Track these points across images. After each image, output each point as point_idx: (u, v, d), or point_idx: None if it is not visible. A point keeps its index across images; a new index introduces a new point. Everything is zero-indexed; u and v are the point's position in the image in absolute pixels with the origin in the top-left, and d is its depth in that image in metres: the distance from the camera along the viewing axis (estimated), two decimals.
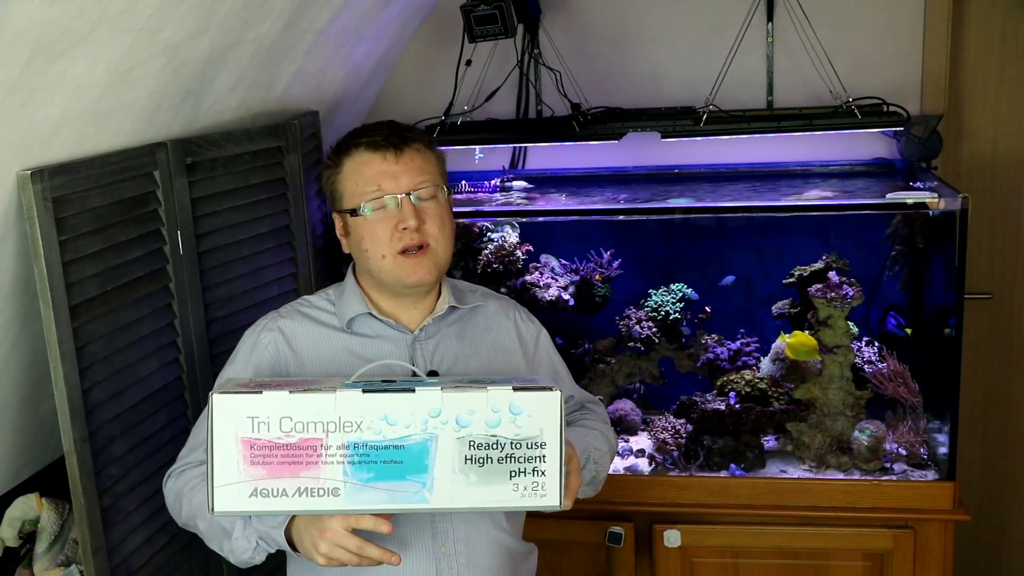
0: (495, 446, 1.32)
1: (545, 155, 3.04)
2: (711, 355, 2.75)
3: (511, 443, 1.32)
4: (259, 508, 1.32)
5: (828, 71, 2.75)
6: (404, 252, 1.57)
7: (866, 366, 2.63)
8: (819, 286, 2.58)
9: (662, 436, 2.65)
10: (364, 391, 1.32)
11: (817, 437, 2.58)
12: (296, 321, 1.65)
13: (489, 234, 2.86)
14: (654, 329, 2.76)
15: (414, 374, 1.54)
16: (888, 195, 2.46)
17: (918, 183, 2.55)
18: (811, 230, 2.80)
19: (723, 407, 2.61)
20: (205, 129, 2.01)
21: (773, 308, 2.78)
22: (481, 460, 1.32)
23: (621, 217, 2.76)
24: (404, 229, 1.56)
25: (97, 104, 1.59)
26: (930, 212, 2.46)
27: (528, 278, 2.85)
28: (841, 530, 2.46)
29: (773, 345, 2.67)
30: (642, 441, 2.74)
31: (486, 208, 2.74)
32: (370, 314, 1.63)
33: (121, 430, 1.76)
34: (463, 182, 2.90)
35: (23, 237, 1.56)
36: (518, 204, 2.78)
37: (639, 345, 2.77)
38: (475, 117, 2.89)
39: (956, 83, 2.90)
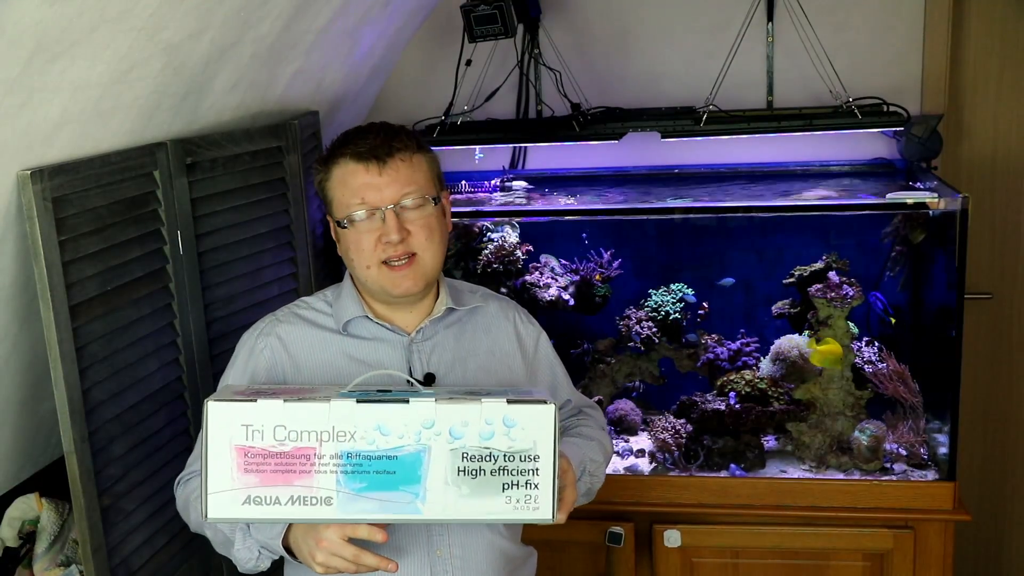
0: (488, 458, 1.32)
1: (545, 155, 3.04)
2: (711, 355, 2.75)
3: (504, 455, 1.33)
4: (252, 515, 1.33)
5: (828, 71, 2.75)
6: (388, 263, 1.56)
7: (866, 366, 2.63)
8: (819, 286, 2.59)
9: (662, 436, 2.65)
10: (358, 401, 1.32)
11: (817, 437, 2.58)
12: (293, 325, 1.65)
13: (489, 234, 2.86)
14: (654, 329, 2.76)
15: (409, 382, 1.54)
16: (888, 195, 2.46)
17: (918, 183, 2.55)
18: (811, 230, 2.80)
19: (723, 407, 2.61)
20: (205, 129, 2.01)
21: (773, 308, 2.78)
22: (474, 472, 1.32)
23: (621, 217, 2.76)
24: (387, 242, 1.55)
25: (97, 104, 1.59)
26: (930, 212, 2.46)
27: (528, 278, 2.85)
28: (841, 530, 2.46)
29: (773, 345, 2.67)
30: (642, 441, 2.74)
31: (486, 208, 2.74)
32: (367, 317, 1.63)
33: (121, 430, 1.76)
34: (463, 182, 2.89)
35: (23, 237, 1.56)
36: (518, 204, 2.78)
37: (639, 345, 2.77)
38: (475, 117, 2.89)
39: (956, 83, 2.90)
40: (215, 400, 1.32)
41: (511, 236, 2.86)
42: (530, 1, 2.79)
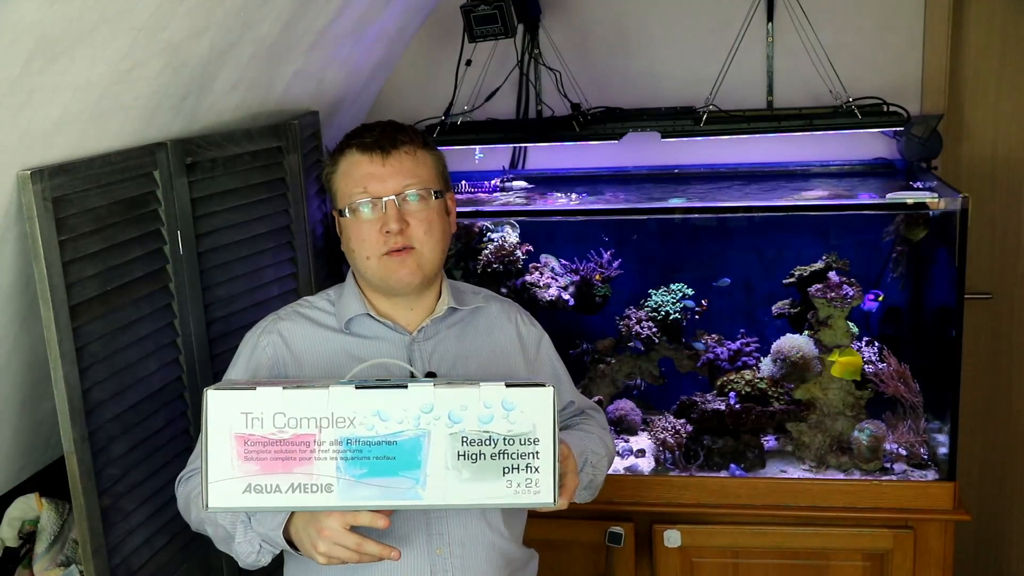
0: (488, 442, 1.32)
1: (545, 155, 3.04)
2: (711, 355, 2.75)
3: (504, 439, 1.32)
4: (253, 504, 1.32)
5: (828, 71, 2.75)
6: (389, 253, 1.57)
7: (866, 366, 2.63)
8: (819, 286, 2.59)
9: (662, 436, 2.65)
10: (357, 387, 1.32)
11: (817, 437, 2.58)
12: (295, 323, 1.65)
13: (489, 234, 2.86)
14: (654, 329, 2.76)
15: (411, 374, 1.54)
16: (888, 195, 2.46)
17: (918, 183, 2.55)
18: (811, 230, 2.80)
19: (723, 407, 2.61)
20: (205, 129, 2.01)
21: (773, 308, 2.78)
22: (474, 456, 1.32)
23: (621, 217, 2.76)
24: (387, 232, 1.56)
25: (97, 104, 1.59)
26: (930, 212, 2.46)
27: (528, 278, 2.85)
28: (841, 530, 2.46)
29: (774, 345, 2.66)
30: (642, 441, 2.74)
31: (486, 208, 2.74)
32: (368, 315, 1.63)
33: (121, 430, 1.76)
34: (463, 182, 2.90)
35: (23, 237, 1.56)
36: (518, 204, 2.78)
37: (639, 345, 2.77)
38: (475, 117, 2.89)
39: (956, 83, 2.90)
40: (214, 389, 1.32)
41: (511, 236, 2.86)
42: (530, 1, 2.79)
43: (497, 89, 2.90)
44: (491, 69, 2.90)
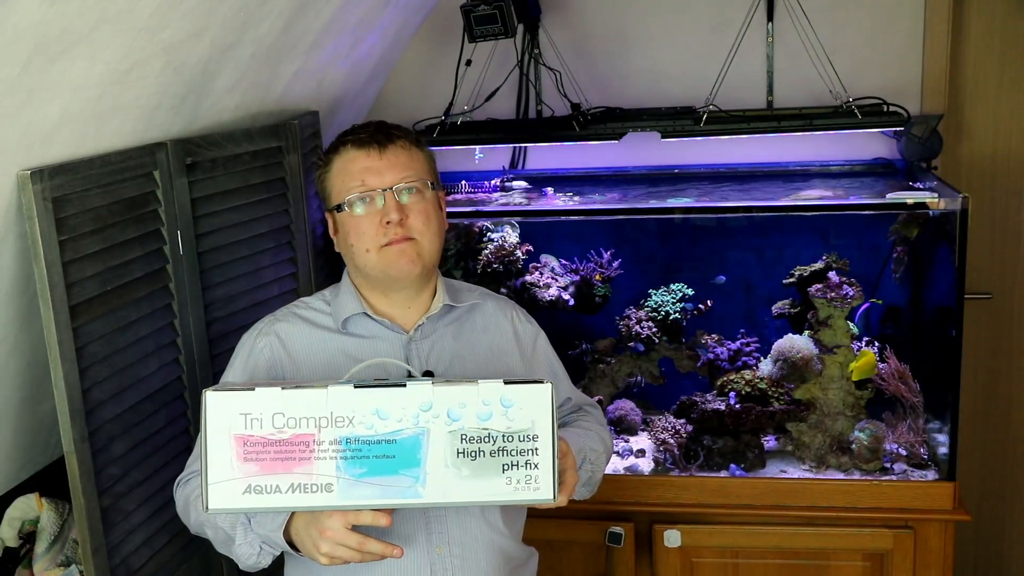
0: (487, 439, 1.32)
1: (545, 155, 3.04)
2: (711, 355, 2.75)
3: (503, 436, 1.32)
4: (253, 505, 1.32)
5: (828, 71, 2.75)
6: (388, 244, 1.58)
7: None
8: (819, 286, 2.59)
9: (662, 436, 2.65)
10: (356, 386, 1.32)
11: (817, 437, 2.58)
12: (292, 324, 1.65)
13: (489, 234, 2.86)
14: (654, 329, 2.76)
15: (409, 373, 1.54)
16: (888, 195, 2.46)
17: (918, 183, 2.55)
18: (811, 230, 2.80)
19: (723, 407, 2.61)
20: (205, 129, 2.01)
21: (773, 308, 2.78)
22: (473, 453, 1.32)
23: (621, 217, 2.76)
24: (387, 223, 1.56)
25: (97, 104, 1.59)
26: (930, 212, 2.46)
27: (528, 278, 2.85)
28: (841, 530, 2.46)
29: (774, 345, 2.66)
30: (642, 441, 2.74)
31: (486, 208, 2.74)
32: (365, 314, 1.63)
33: (121, 430, 1.76)
34: (463, 182, 2.90)
35: (23, 237, 1.56)
36: (518, 204, 2.78)
37: (639, 347, 2.77)
38: (475, 117, 2.89)
39: (956, 83, 2.90)
40: (213, 390, 1.32)
41: (511, 236, 2.86)
42: (530, 1, 2.79)
43: (497, 89, 2.90)
44: (491, 69, 2.90)
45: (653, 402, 2.87)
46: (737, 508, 2.51)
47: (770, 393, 2.61)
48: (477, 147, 2.97)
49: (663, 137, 2.71)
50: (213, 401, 1.31)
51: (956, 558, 2.49)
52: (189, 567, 1.98)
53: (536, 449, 1.33)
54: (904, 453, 2.57)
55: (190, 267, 1.94)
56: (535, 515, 1.71)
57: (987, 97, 2.94)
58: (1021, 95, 2.93)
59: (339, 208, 1.61)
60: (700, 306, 2.79)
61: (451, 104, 2.86)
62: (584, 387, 2.78)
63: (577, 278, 2.86)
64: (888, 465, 2.54)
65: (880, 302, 2.71)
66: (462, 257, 2.85)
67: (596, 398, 2.74)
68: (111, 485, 1.74)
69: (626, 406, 2.79)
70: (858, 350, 2.64)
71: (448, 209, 1.76)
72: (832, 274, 2.60)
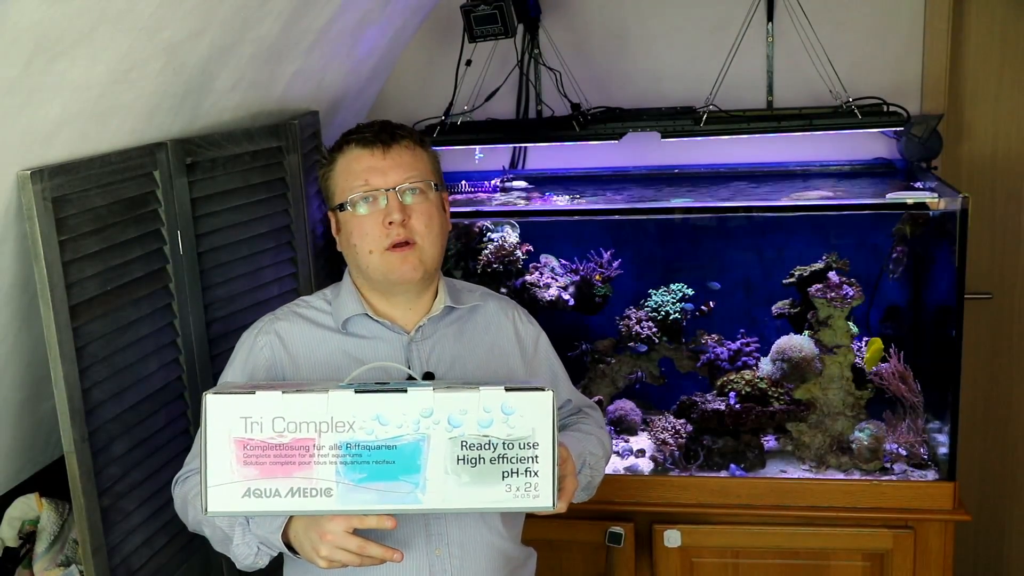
0: (487, 446, 1.32)
1: (545, 155, 3.04)
2: (711, 355, 2.75)
3: (503, 443, 1.32)
4: (252, 508, 1.32)
5: (828, 71, 2.75)
6: (391, 248, 1.57)
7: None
8: (819, 286, 2.59)
9: (662, 436, 2.65)
10: (356, 391, 1.32)
11: (817, 437, 2.58)
12: (292, 323, 1.65)
13: (489, 234, 2.86)
14: (654, 329, 2.76)
15: (410, 377, 1.54)
16: (888, 195, 2.46)
17: (918, 183, 2.55)
18: (811, 230, 2.80)
19: (723, 407, 2.61)
20: (205, 129, 2.01)
21: (773, 308, 2.78)
22: (473, 460, 1.32)
23: (621, 217, 2.76)
24: (390, 224, 1.56)
25: (97, 104, 1.59)
26: (930, 212, 2.46)
27: (528, 278, 2.85)
28: (841, 530, 2.46)
29: (774, 345, 2.67)
30: (642, 441, 2.74)
31: (486, 208, 2.74)
32: (366, 315, 1.63)
33: (121, 430, 1.76)
34: (463, 182, 2.90)
35: (23, 237, 1.56)
36: (518, 204, 2.78)
37: (639, 345, 2.77)
38: (475, 117, 2.89)
39: (956, 83, 2.90)
40: (213, 393, 1.32)
41: (511, 236, 2.86)
42: (530, 1, 2.79)
43: (497, 89, 2.90)
44: (491, 69, 2.90)
45: (653, 402, 2.87)
46: (737, 508, 2.51)
47: (770, 393, 2.61)
48: (477, 147, 2.97)
49: (663, 137, 2.71)
50: (213, 404, 1.31)
51: (956, 558, 2.49)
52: (189, 567, 1.98)
53: (536, 457, 1.33)
54: (904, 453, 2.57)
55: (190, 267, 1.94)
56: (533, 515, 1.71)
57: (987, 97, 2.94)
58: (1021, 95, 2.93)
59: (341, 207, 1.60)
60: (702, 307, 2.79)
61: (451, 104, 2.86)
62: (584, 387, 2.78)
63: (577, 278, 2.86)
64: (888, 465, 2.54)
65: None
66: (462, 257, 2.85)
67: (596, 398, 2.74)
68: (111, 485, 1.74)
69: (626, 406, 2.79)
70: (858, 350, 2.65)
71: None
72: (832, 274, 2.60)
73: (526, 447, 1.33)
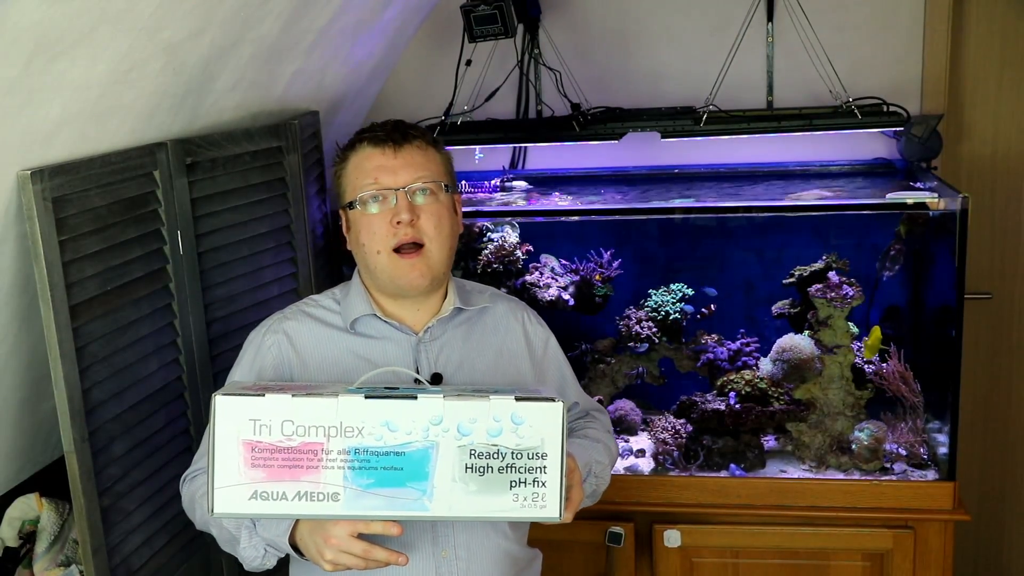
0: (496, 455, 1.32)
1: (545, 155, 3.04)
2: (711, 355, 2.75)
3: (512, 453, 1.32)
4: (258, 511, 1.32)
5: (828, 71, 2.75)
6: (399, 250, 1.57)
7: (867, 365, 2.63)
8: (819, 286, 2.58)
9: (662, 436, 2.65)
10: (366, 396, 1.32)
11: (817, 437, 2.58)
12: (300, 322, 1.65)
13: (489, 234, 2.86)
14: (654, 329, 2.76)
15: (417, 382, 1.54)
16: (888, 195, 2.46)
17: (918, 183, 2.55)
18: (811, 230, 2.80)
19: (723, 407, 2.61)
20: (205, 129, 2.01)
21: (773, 308, 2.78)
22: (482, 469, 1.32)
23: (621, 217, 2.76)
24: (398, 223, 1.55)
25: (97, 104, 1.59)
26: (930, 212, 2.46)
27: (528, 278, 2.85)
28: (841, 530, 2.46)
29: (774, 345, 2.67)
30: (642, 441, 2.74)
31: (486, 208, 2.74)
32: (374, 315, 1.62)
33: (121, 430, 1.76)
34: (463, 182, 2.89)
35: (23, 237, 1.56)
36: (518, 204, 2.78)
37: (639, 346, 2.77)
38: (475, 117, 2.89)
39: (956, 83, 2.90)
40: (223, 394, 1.31)
41: (511, 236, 2.86)
42: (530, 1, 2.79)
43: (497, 89, 2.90)
44: (491, 69, 2.90)
45: (653, 402, 2.87)
46: (737, 508, 2.51)
47: (770, 393, 2.61)
48: (477, 147, 2.97)
49: (663, 137, 2.71)
50: (222, 405, 1.31)
51: (956, 558, 2.49)
52: (189, 567, 1.98)
53: (544, 467, 1.33)
54: (904, 453, 2.57)
55: (190, 267, 1.94)
56: None
57: (987, 97, 2.94)
58: (1021, 95, 2.93)
59: (351, 205, 1.60)
60: (703, 310, 2.79)
61: (451, 104, 2.86)
62: (584, 387, 2.77)
63: (577, 278, 2.86)
64: (888, 465, 2.54)
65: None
66: (462, 257, 2.85)
67: (596, 398, 2.74)
68: (111, 485, 1.74)
69: (626, 406, 2.79)
70: (857, 349, 2.65)
71: None
72: (832, 274, 2.60)
73: (535, 457, 1.33)
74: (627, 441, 2.74)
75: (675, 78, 2.92)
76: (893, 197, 2.45)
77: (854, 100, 2.64)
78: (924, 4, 2.80)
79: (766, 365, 2.67)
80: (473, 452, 1.32)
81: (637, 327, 2.76)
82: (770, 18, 2.84)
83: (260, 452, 1.31)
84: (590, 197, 2.77)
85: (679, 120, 2.71)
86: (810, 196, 2.61)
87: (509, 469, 1.33)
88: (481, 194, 2.86)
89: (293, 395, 1.32)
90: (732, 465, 2.58)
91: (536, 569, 1.75)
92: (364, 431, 1.31)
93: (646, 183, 2.92)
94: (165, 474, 1.88)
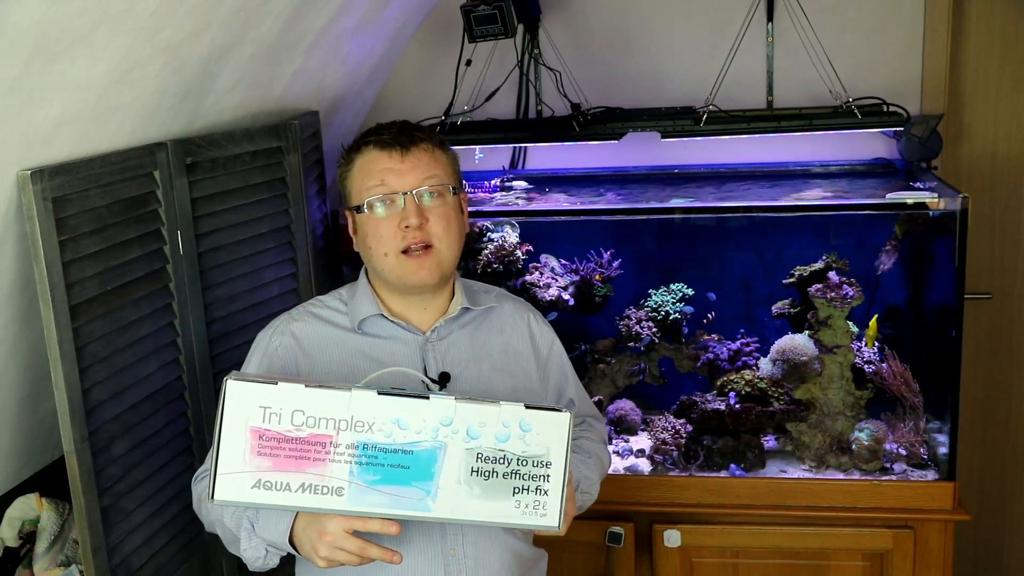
0: (502, 461, 1.33)
1: (545, 155, 3.04)
2: (711, 355, 2.75)
3: (518, 459, 1.33)
4: (260, 500, 1.31)
5: (828, 71, 2.75)
6: (407, 251, 1.57)
7: (866, 366, 2.63)
8: (819, 286, 2.59)
9: (662, 436, 2.65)
10: (379, 392, 1.31)
11: (817, 437, 2.58)
12: (308, 323, 1.65)
13: (489, 234, 2.86)
14: (654, 329, 2.76)
15: (426, 386, 1.54)
16: (888, 195, 2.46)
17: (918, 183, 2.55)
18: (811, 230, 2.80)
19: (723, 407, 2.61)
20: (205, 129, 2.01)
21: (773, 308, 2.78)
22: (487, 473, 1.33)
23: (621, 217, 2.76)
24: (407, 227, 1.56)
25: (97, 104, 1.59)
26: (930, 212, 2.46)
27: (528, 278, 2.85)
28: (841, 530, 2.46)
29: (774, 345, 2.67)
30: (642, 441, 2.74)
31: (486, 208, 2.74)
32: (381, 315, 1.63)
33: (121, 430, 1.76)
34: (463, 182, 2.89)
35: (23, 237, 1.56)
36: (518, 204, 2.78)
37: (639, 345, 2.77)
38: (475, 117, 2.89)
39: (956, 83, 2.90)
40: (234, 379, 1.29)
41: (511, 236, 2.86)
42: (530, 1, 2.79)
43: (497, 89, 2.90)
44: (491, 69, 2.90)
45: (653, 402, 2.87)
46: (737, 508, 2.51)
47: (770, 393, 2.61)
48: (477, 147, 2.97)
49: (663, 137, 2.71)
50: (233, 390, 1.29)
51: (956, 558, 2.49)
52: (189, 567, 1.98)
53: (548, 476, 1.34)
54: (904, 453, 2.57)
55: (190, 267, 1.94)
56: None
57: (987, 97, 2.94)
58: (1021, 95, 2.93)
59: (358, 209, 1.60)
60: (707, 316, 2.79)
61: (451, 104, 2.86)
62: (584, 387, 2.77)
63: (577, 278, 2.86)
64: (888, 465, 2.54)
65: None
66: (462, 257, 2.84)
67: (596, 398, 2.74)
68: (111, 485, 1.74)
69: (626, 406, 2.79)
70: (858, 350, 2.65)
71: None
72: (832, 274, 2.60)
73: (539, 465, 1.34)
74: (627, 441, 2.74)
75: (675, 78, 2.92)
76: (893, 197, 2.45)
77: (854, 100, 2.64)
78: (924, 4, 2.80)
79: (766, 365, 2.67)
80: (480, 456, 1.32)
81: (637, 327, 2.76)
82: (770, 18, 2.84)
83: (267, 441, 1.29)
84: (590, 197, 2.77)
85: (679, 120, 2.71)
86: (810, 196, 2.61)
87: (514, 475, 1.33)
88: (481, 194, 2.86)
89: (307, 385, 1.31)
90: (732, 465, 2.58)
91: (542, 569, 1.75)
92: (375, 427, 1.31)
93: (646, 183, 2.92)
94: (165, 474, 1.88)
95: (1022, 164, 2.97)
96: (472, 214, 2.71)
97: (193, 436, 1.98)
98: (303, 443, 1.30)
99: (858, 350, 2.64)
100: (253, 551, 1.46)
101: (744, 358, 2.74)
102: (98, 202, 1.66)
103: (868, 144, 2.89)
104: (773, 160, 2.93)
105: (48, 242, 1.55)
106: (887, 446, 2.57)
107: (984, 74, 2.93)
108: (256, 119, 2.22)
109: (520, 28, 2.81)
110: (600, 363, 2.82)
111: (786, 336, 2.65)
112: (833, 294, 2.56)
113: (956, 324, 2.36)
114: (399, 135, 1.59)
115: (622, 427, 2.76)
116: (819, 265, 2.67)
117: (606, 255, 2.86)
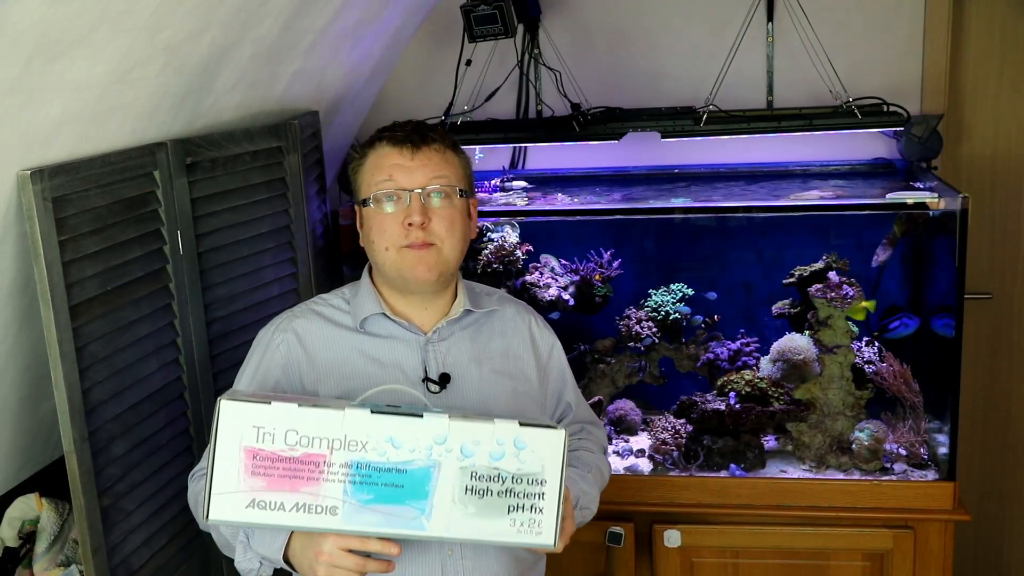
0: (496, 479, 1.32)
1: (545, 155, 3.04)
2: (711, 355, 2.75)
3: (512, 477, 1.32)
4: (254, 520, 1.30)
5: (828, 71, 2.75)
6: (408, 247, 1.57)
7: (866, 366, 2.63)
8: (819, 286, 2.59)
9: (662, 436, 2.65)
10: (373, 411, 1.31)
11: (817, 437, 2.58)
12: (310, 321, 1.65)
13: (489, 234, 2.86)
14: (654, 329, 2.76)
15: (425, 390, 1.54)
16: (888, 195, 2.46)
17: (918, 183, 2.55)
18: (811, 230, 2.80)
19: (723, 407, 2.61)
20: (205, 129, 2.01)
21: (773, 308, 2.78)
22: (481, 492, 1.32)
23: (621, 217, 2.76)
24: (410, 224, 1.56)
25: (97, 104, 1.59)
26: (930, 212, 2.46)
27: (528, 278, 2.85)
28: (841, 530, 2.46)
29: (774, 345, 2.67)
30: (642, 441, 2.74)
31: (486, 208, 2.74)
32: (383, 314, 1.63)
33: (121, 430, 1.76)
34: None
35: (23, 237, 1.56)
36: (518, 204, 2.78)
37: (639, 345, 2.77)
38: (475, 117, 2.89)
39: (956, 83, 2.90)
40: (228, 399, 1.29)
41: (511, 236, 2.86)
42: (530, 1, 2.79)
43: (497, 89, 2.90)
44: (491, 69, 2.90)
45: (653, 402, 2.87)
46: (737, 508, 2.51)
47: (770, 393, 2.61)
48: (477, 147, 2.97)
49: (663, 137, 2.71)
50: (226, 410, 1.29)
51: (956, 558, 2.49)
52: (189, 567, 1.98)
53: (543, 494, 1.33)
54: (904, 453, 2.57)
55: (190, 267, 1.94)
56: None
57: (987, 97, 2.94)
58: (1021, 95, 2.93)
59: (365, 203, 1.60)
60: (708, 320, 2.79)
61: (451, 104, 2.86)
62: (584, 387, 2.78)
63: (577, 278, 2.86)
64: (888, 465, 2.54)
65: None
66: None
67: (596, 398, 2.74)
68: (111, 485, 1.74)
69: (626, 406, 2.79)
70: (858, 350, 2.64)
71: None
72: (832, 274, 2.60)
73: (534, 483, 1.33)
74: (627, 441, 2.73)
75: (675, 78, 2.92)
76: (893, 197, 2.45)
77: (854, 100, 2.64)
78: (924, 4, 2.80)
79: (766, 365, 2.67)
80: (474, 474, 1.32)
81: (637, 327, 2.76)
82: (770, 18, 2.84)
83: (262, 460, 1.29)
84: (590, 197, 2.77)
85: (679, 120, 2.71)
86: (810, 196, 2.61)
87: (508, 493, 1.32)
88: (481, 194, 2.86)
89: (299, 404, 1.30)
90: (732, 465, 2.58)
91: (540, 570, 1.75)
92: (368, 446, 1.30)
93: (646, 183, 2.92)
94: (165, 474, 1.88)
95: (1022, 164, 2.97)
96: None
97: (193, 436, 1.98)
98: (297, 462, 1.30)
99: (858, 350, 2.64)
100: (247, 563, 1.47)
101: (744, 358, 2.74)
102: (98, 202, 1.66)
103: (868, 144, 2.89)
104: (773, 160, 2.93)
105: (48, 242, 1.55)
106: (887, 446, 2.57)
107: (984, 74, 2.93)
108: (256, 119, 2.22)
109: (520, 28, 2.81)
110: (600, 363, 2.82)
111: (786, 336, 2.65)
112: (833, 294, 2.56)
113: (956, 324, 2.36)
114: (412, 133, 1.60)
115: (622, 427, 2.76)
116: (819, 265, 2.67)
117: (606, 255, 2.86)
